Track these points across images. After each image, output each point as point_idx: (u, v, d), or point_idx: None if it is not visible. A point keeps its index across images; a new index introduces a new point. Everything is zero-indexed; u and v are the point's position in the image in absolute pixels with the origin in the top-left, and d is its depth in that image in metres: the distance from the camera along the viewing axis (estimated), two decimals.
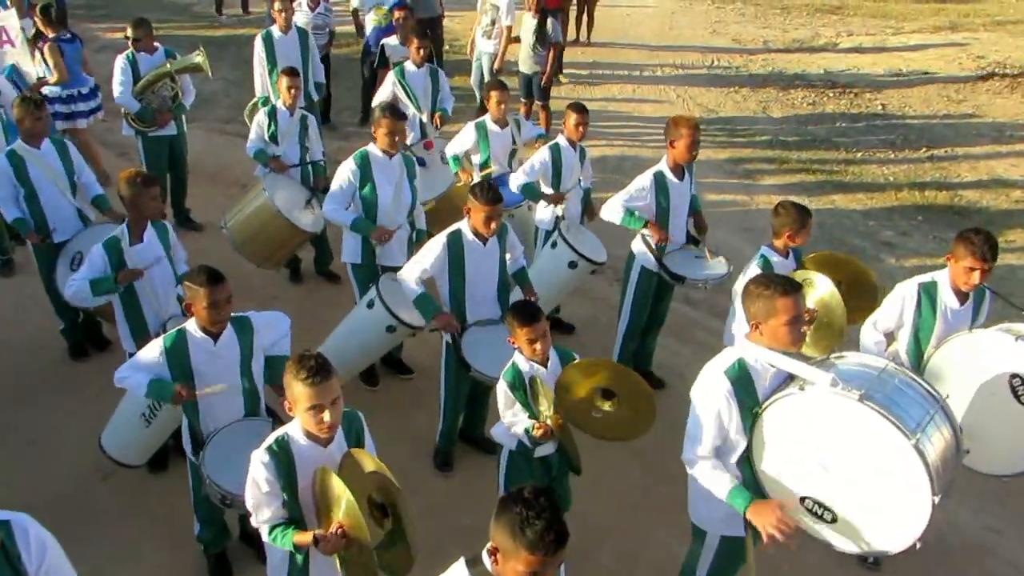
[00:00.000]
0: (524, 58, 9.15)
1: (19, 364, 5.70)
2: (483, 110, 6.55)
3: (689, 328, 6.35)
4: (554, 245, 5.51)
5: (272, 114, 6.13)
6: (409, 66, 6.82)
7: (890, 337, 4.16)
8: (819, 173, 9.14)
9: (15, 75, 7.13)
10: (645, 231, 4.97)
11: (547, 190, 5.61)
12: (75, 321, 5.69)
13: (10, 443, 5.00)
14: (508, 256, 4.64)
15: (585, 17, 12.89)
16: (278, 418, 3.79)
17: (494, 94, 5.98)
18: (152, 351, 3.54)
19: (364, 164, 4.98)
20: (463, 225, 4.38)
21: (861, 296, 4.47)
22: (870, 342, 4.09)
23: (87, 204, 5.52)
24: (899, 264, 7.34)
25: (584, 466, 3.81)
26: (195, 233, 7.40)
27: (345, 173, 4.99)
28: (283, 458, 2.92)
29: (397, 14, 7.85)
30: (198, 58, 6.83)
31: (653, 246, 4.99)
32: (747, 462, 3.06)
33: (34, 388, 5.48)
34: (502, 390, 3.70)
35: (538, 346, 3.60)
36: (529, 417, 3.67)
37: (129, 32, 6.90)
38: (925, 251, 7.52)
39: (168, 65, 6.82)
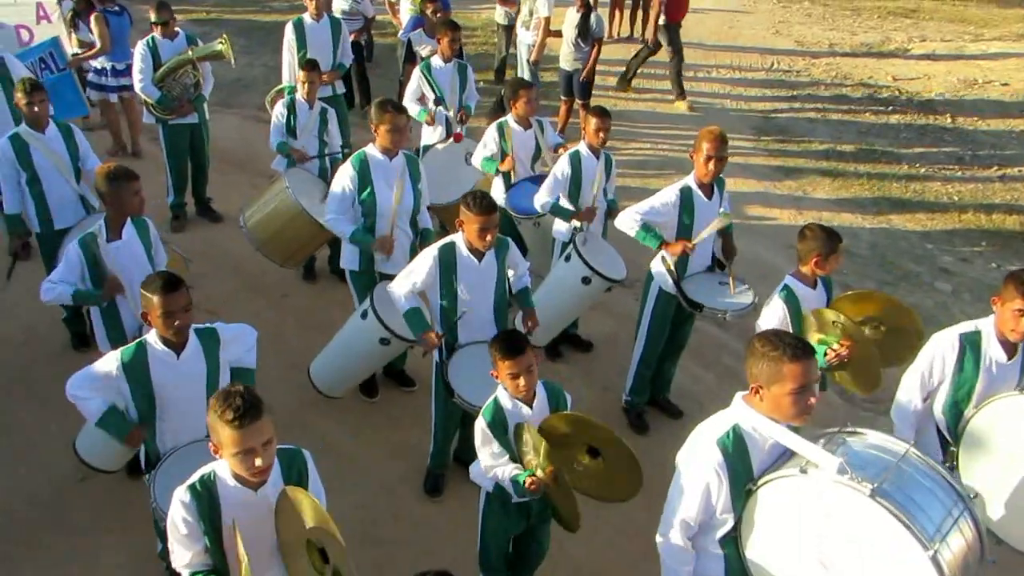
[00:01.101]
0: (565, 54, 8.75)
1: (17, 356, 5.59)
2: (501, 108, 6.17)
3: (714, 351, 5.91)
4: (568, 258, 5.11)
5: (291, 106, 5.93)
6: (436, 61, 6.49)
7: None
8: (876, 188, 8.52)
9: (55, 48, 7.03)
10: (665, 253, 4.56)
11: (569, 204, 5.24)
12: (78, 310, 5.53)
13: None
14: (511, 273, 4.28)
15: (641, 13, 12.39)
16: None
17: (521, 92, 5.61)
18: (108, 365, 3.28)
19: (362, 167, 4.64)
20: (458, 238, 4.01)
21: (899, 343, 3.98)
22: (905, 413, 3.62)
23: (91, 191, 5.35)
24: (955, 296, 6.74)
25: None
26: (215, 224, 7.26)
27: (343, 178, 4.67)
28: (206, 499, 2.63)
29: (429, 7, 7.52)
30: (220, 46, 6.62)
31: (672, 267, 4.58)
32: (732, 542, 2.66)
33: (33, 380, 5.34)
34: (479, 427, 3.34)
35: (521, 382, 3.22)
36: (511, 460, 3.31)
37: (152, 16, 6.72)
38: (986, 282, 6.88)
39: (190, 52, 6.64)
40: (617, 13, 12.64)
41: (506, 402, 3.31)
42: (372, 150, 4.67)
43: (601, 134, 5.10)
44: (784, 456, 2.61)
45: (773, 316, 3.96)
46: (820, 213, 7.87)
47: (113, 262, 4.10)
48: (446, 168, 6.27)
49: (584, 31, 8.53)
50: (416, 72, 6.52)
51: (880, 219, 7.95)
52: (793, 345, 2.56)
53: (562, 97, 9.10)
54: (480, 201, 3.84)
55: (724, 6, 14.41)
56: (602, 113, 5.10)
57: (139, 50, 6.67)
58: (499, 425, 3.29)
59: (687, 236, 4.53)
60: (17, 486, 4.58)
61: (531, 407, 3.31)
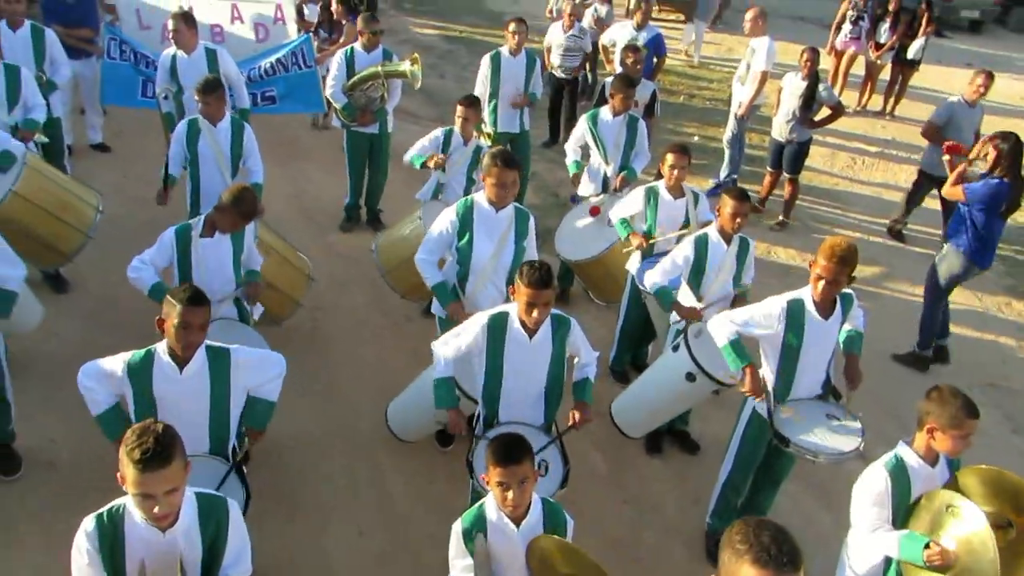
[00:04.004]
0: (779, 123, 8.01)
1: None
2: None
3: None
4: (676, 348, 4.57)
5: (448, 136, 5.79)
6: (605, 113, 6.11)
7: None
8: None
9: (306, 46, 7.49)
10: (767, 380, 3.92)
11: (688, 297, 4.69)
12: None
13: None
14: (576, 360, 3.86)
15: (896, 86, 11.22)
16: (239, 467, 3.45)
17: (669, 157, 5.11)
18: (115, 364, 3.31)
19: (466, 214, 4.39)
20: (512, 309, 3.65)
21: None
22: None
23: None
24: None
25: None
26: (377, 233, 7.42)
27: (444, 220, 4.45)
28: (109, 532, 2.53)
29: (629, 57, 7.18)
30: (406, 66, 6.74)
31: (770, 387, 3.91)
32: None
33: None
34: (455, 530, 2.96)
35: (509, 495, 2.79)
36: None
37: (359, 24, 6.99)
38: None
39: (379, 67, 6.82)
40: (869, 83, 11.51)
41: (492, 512, 2.91)
42: (480, 198, 4.41)
43: (737, 219, 4.49)
44: None
45: (869, 490, 3.23)
46: None
47: (199, 257, 4.24)
48: (588, 224, 5.92)
49: (809, 101, 7.76)
50: (582, 120, 6.22)
51: None
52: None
53: (768, 168, 8.37)
54: (533, 272, 3.43)
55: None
56: (741, 196, 4.48)
57: (337, 58, 6.97)
58: (474, 536, 2.90)
59: (795, 361, 3.83)
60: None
61: (518, 526, 2.89)
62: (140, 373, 3.28)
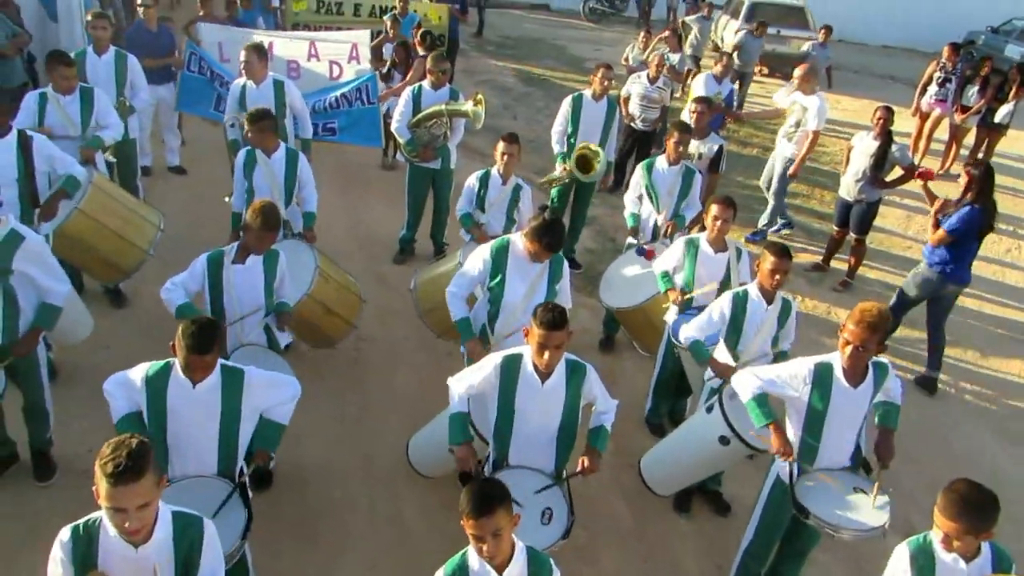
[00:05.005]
0: (848, 183, 7.77)
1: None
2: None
3: None
4: (710, 409, 4.42)
5: (485, 179, 5.82)
6: (660, 162, 6.07)
7: None
8: None
9: (372, 83, 7.81)
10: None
11: (724, 354, 4.56)
12: None
13: None
14: (593, 408, 3.78)
15: (983, 149, 10.80)
16: (244, 488, 3.47)
17: (713, 208, 5.00)
18: (137, 374, 3.39)
19: (499, 255, 4.39)
20: (527, 351, 3.59)
21: None
22: None
23: (298, 216, 5.79)
24: None
25: None
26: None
27: (477, 258, 4.45)
28: (84, 544, 2.56)
29: (696, 107, 7.11)
30: (468, 106, 6.84)
31: (795, 456, 3.73)
32: None
33: None
34: None
35: (484, 547, 2.71)
36: None
37: (428, 63, 7.15)
38: None
39: (443, 106, 6.94)
40: (954, 147, 11.10)
41: (474, 561, 2.84)
42: (517, 240, 4.41)
43: (776, 276, 4.34)
44: None
45: (889, 570, 3.08)
46: None
47: (230, 284, 4.30)
48: (634, 272, 5.84)
49: (880, 161, 7.53)
50: (638, 169, 6.17)
51: None
52: None
53: (835, 226, 8.14)
54: (546, 313, 3.38)
55: None
56: (781, 253, 4.33)
57: (405, 94, 7.12)
58: None
59: (819, 426, 3.66)
60: None
61: (501, 574, 2.81)
62: (156, 384, 3.34)
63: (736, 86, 11.19)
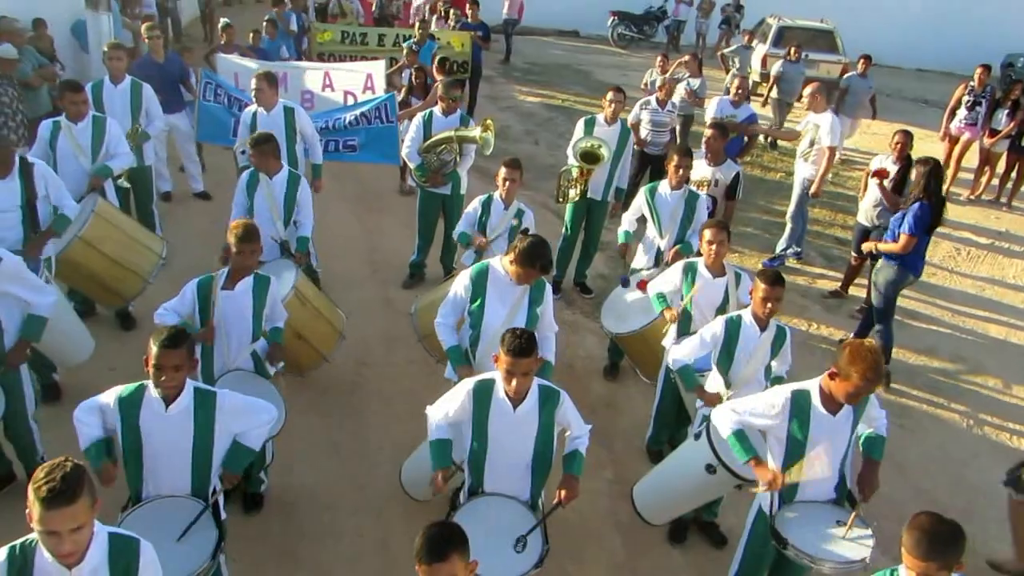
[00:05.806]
0: (866, 207, 7.63)
1: None
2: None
3: None
4: (698, 436, 4.34)
5: (487, 204, 5.82)
6: (663, 186, 6.02)
7: None
8: None
9: (390, 103, 7.85)
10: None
11: (717, 381, 4.47)
12: None
13: None
14: (567, 433, 3.72)
15: (1015, 174, 10.52)
16: (216, 507, 3.48)
17: (707, 232, 4.94)
18: (109, 397, 3.43)
19: (479, 279, 4.35)
20: (499, 376, 3.55)
21: None
22: None
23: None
24: None
25: None
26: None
27: (459, 284, 4.42)
28: (18, 566, 2.56)
29: (710, 133, 7.02)
30: (477, 132, 6.87)
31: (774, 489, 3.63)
32: None
33: None
34: None
35: None
36: None
37: (440, 90, 7.21)
38: None
39: (453, 131, 6.99)
40: (987, 169, 10.85)
41: None
42: (497, 264, 4.38)
43: (769, 304, 4.25)
44: None
45: None
46: None
47: (219, 309, 4.33)
48: (636, 297, 5.78)
49: (900, 186, 7.38)
50: (641, 191, 6.12)
51: None
52: None
53: (853, 253, 7.98)
54: (513, 340, 3.34)
55: None
56: (774, 280, 4.25)
57: (415, 120, 7.18)
58: None
59: (799, 455, 3.56)
60: None
61: None
62: (129, 406, 3.38)
63: (769, 111, 11.07)
